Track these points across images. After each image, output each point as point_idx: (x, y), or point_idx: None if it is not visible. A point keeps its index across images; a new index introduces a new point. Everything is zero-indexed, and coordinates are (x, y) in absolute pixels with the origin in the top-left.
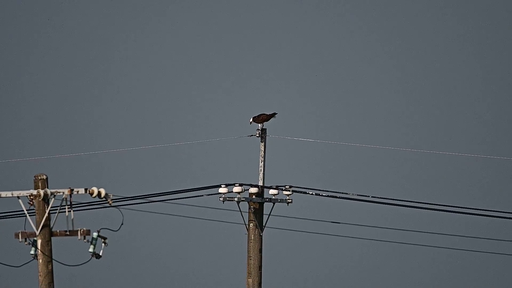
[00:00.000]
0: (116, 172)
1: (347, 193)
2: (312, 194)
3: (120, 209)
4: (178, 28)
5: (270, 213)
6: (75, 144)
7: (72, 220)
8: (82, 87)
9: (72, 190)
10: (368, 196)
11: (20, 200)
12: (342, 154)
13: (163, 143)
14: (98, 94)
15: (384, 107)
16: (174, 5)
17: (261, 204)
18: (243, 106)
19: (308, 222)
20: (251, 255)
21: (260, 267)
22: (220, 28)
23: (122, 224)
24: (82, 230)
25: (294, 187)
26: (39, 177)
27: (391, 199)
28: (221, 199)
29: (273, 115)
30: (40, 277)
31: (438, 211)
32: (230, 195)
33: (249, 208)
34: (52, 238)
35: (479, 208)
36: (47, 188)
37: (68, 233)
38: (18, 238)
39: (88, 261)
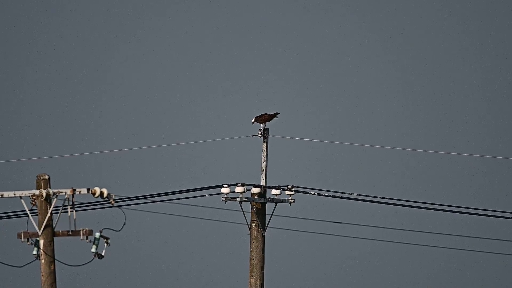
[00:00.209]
0: (119, 172)
1: (349, 193)
2: (314, 194)
3: (122, 209)
4: (180, 28)
5: (272, 213)
6: (78, 144)
7: (75, 220)
8: (85, 87)
9: (74, 190)
10: (370, 196)
11: (22, 200)
12: (344, 154)
13: (165, 143)
14: (101, 94)
15: (386, 107)
16: (175, 5)
17: (263, 204)
18: (245, 106)
19: (310, 222)
20: (254, 255)
21: (262, 267)
22: (223, 27)
23: (124, 224)
24: (84, 230)
25: (297, 187)
26: (42, 177)
27: (393, 199)
28: (223, 199)
29: (275, 115)
30: (42, 277)
31: (438, 211)
32: (232, 195)
33: (251, 208)
34: (55, 238)
35: (479, 208)
36: (50, 188)
37: (70, 233)
38: (21, 238)
39: (91, 261)
